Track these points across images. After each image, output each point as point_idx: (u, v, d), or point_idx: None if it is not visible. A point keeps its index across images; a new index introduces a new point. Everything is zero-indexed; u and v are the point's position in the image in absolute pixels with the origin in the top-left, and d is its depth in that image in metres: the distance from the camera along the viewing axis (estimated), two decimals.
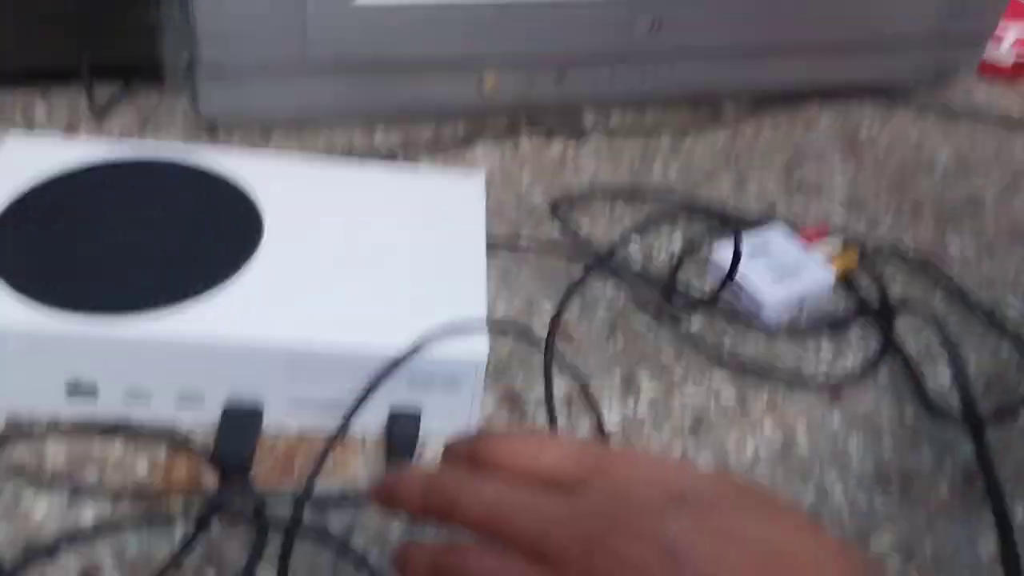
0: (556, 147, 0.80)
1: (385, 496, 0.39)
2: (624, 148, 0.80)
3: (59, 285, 0.51)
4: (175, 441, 0.52)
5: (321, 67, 0.72)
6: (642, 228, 0.71)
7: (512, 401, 0.58)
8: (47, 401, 0.52)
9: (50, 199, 0.56)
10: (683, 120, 0.85)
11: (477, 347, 0.51)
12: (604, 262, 0.66)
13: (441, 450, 0.40)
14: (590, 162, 0.78)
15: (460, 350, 0.51)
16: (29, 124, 0.74)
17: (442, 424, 0.54)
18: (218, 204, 0.57)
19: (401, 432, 0.53)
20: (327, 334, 0.51)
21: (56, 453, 0.51)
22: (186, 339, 0.49)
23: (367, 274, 0.55)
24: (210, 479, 0.51)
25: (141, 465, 0.51)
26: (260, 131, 0.76)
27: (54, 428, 0.52)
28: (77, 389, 0.51)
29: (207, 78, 0.71)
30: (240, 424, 0.52)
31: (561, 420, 0.57)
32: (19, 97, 0.76)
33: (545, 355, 0.57)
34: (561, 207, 0.71)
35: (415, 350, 0.50)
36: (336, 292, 0.53)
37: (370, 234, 0.57)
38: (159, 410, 0.53)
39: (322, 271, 0.54)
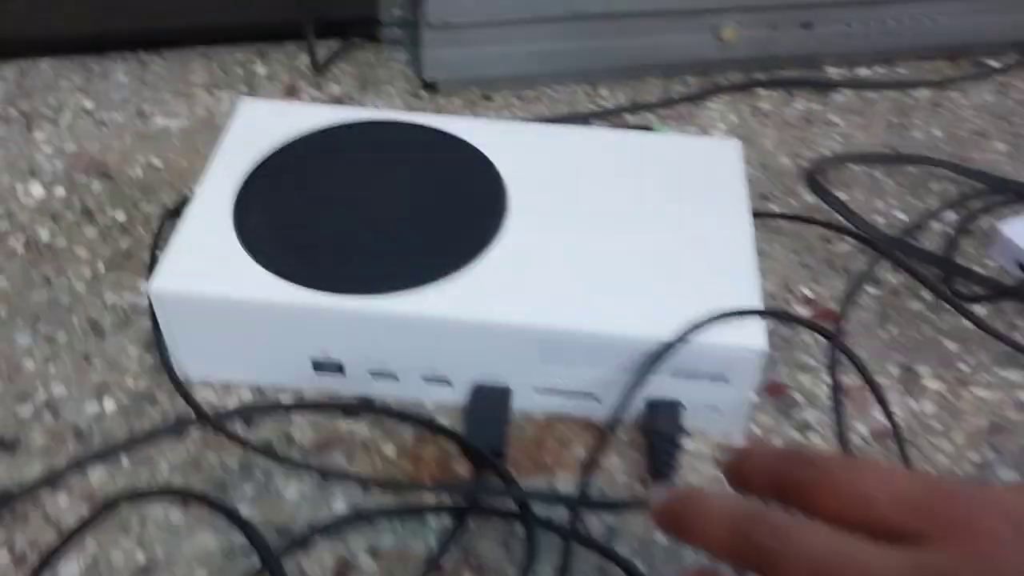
0: (799, 104, 0.72)
1: (677, 525, 0.34)
2: (876, 105, 0.72)
3: (308, 262, 0.48)
4: (422, 423, 0.49)
5: (550, 20, 0.67)
6: (948, 209, 0.63)
7: (777, 393, 0.52)
8: (293, 376, 0.50)
9: (291, 166, 0.53)
10: (941, 74, 0.75)
11: (753, 336, 0.46)
12: (885, 241, 0.59)
13: (720, 460, 0.34)
14: (839, 121, 0.70)
15: (734, 338, 0.46)
16: (250, 82, 0.72)
17: (707, 419, 0.49)
18: (463, 173, 0.54)
19: (661, 426, 0.48)
20: (583, 316, 0.46)
21: (303, 431, 0.49)
22: (436, 319, 0.46)
23: (622, 250, 0.50)
24: (460, 465, 0.48)
25: (389, 447, 0.49)
26: (482, 91, 0.72)
27: (300, 404, 0.50)
28: (323, 366, 0.49)
29: (430, 36, 0.67)
30: (490, 408, 0.48)
31: (834, 418, 0.50)
32: (240, 55, 0.75)
33: (830, 342, 0.50)
34: (816, 173, 0.64)
35: (685, 336, 0.45)
36: (590, 270, 0.48)
37: (622, 207, 0.52)
38: (404, 390, 0.50)
39: (574, 247, 0.50)
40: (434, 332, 0.47)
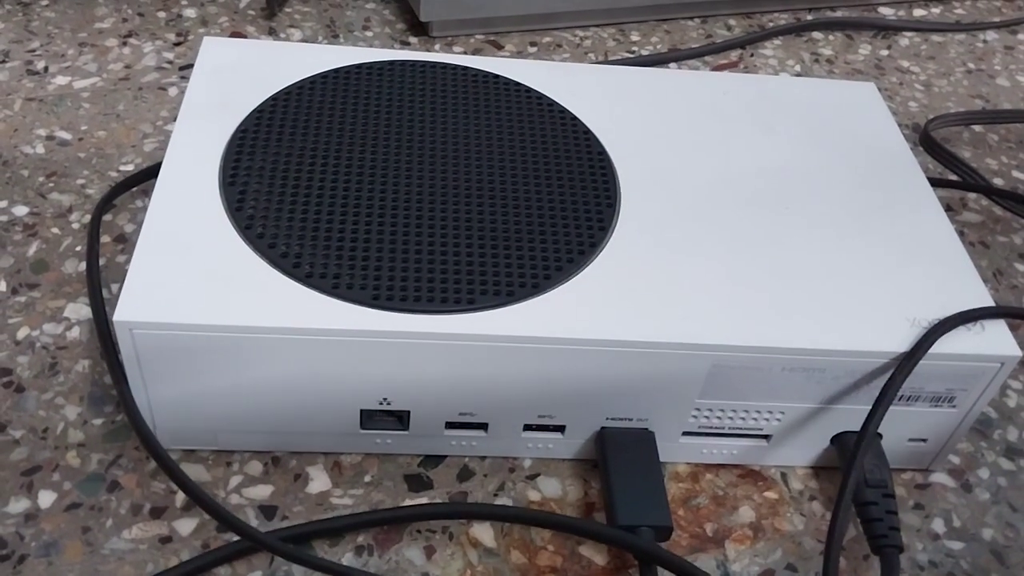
0: (863, 48, 0.60)
1: None
2: (949, 47, 0.61)
3: (360, 267, 0.32)
4: (519, 514, 0.34)
5: None
6: None
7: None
8: (327, 437, 0.34)
9: (300, 124, 0.37)
10: (1002, 15, 0.65)
11: (999, 340, 0.33)
12: None
13: None
14: (915, 68, 0.59)
15: (976, 346, 0.33)
16: (178, 28, 0.54)
17: (904, 454, 0.36)
18: (545, 135, 0.39)
19: (867, 470, 0.35)
20: (768, 327, 0.32)
21: (354, 543, 0.33)
22: (558, 339, 0.31)
23: (788, 239, 0.36)
24: (593, 549, 0.33)
25: (483, 530, 0.33)
26: (487, 36, 0.57)
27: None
28: (377, 419, 0.33)
29: None
30: (637, 463, 0.34)
31: None
32: None
33: None
34: (927, 131, 0.52)
35: (927, 346, 0.32)
36: (754, 265, 0.34)
37: (770, 176, 0.38)
38: (495, 443, 0.35)
39: (725, 237, 0.36)
40: (550, 358, 0.32)
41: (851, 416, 0.34)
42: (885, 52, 0.60)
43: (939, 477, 0.37)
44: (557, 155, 0.37)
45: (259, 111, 0.37)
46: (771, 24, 0.61)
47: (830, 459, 0.36)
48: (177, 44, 0.53)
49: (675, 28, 0.59)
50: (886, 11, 0.64)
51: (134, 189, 0.44)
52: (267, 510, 0.33)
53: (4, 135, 0.46)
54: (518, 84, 0.41)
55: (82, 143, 0.46)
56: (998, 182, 0.51)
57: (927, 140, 0.50)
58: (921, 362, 0.32)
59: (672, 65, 0.56)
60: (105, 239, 0.41)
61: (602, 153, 0.38)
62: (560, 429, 0.34)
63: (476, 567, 0.32)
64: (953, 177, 0.49)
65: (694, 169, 0.38)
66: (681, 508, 0.35)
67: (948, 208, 0.49)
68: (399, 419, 0.34)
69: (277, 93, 0.38)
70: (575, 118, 0.39)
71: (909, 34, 0.62)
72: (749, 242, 0.35)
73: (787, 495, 0.36)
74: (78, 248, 0.41)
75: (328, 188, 0.34)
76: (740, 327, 0.32)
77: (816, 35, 0.61)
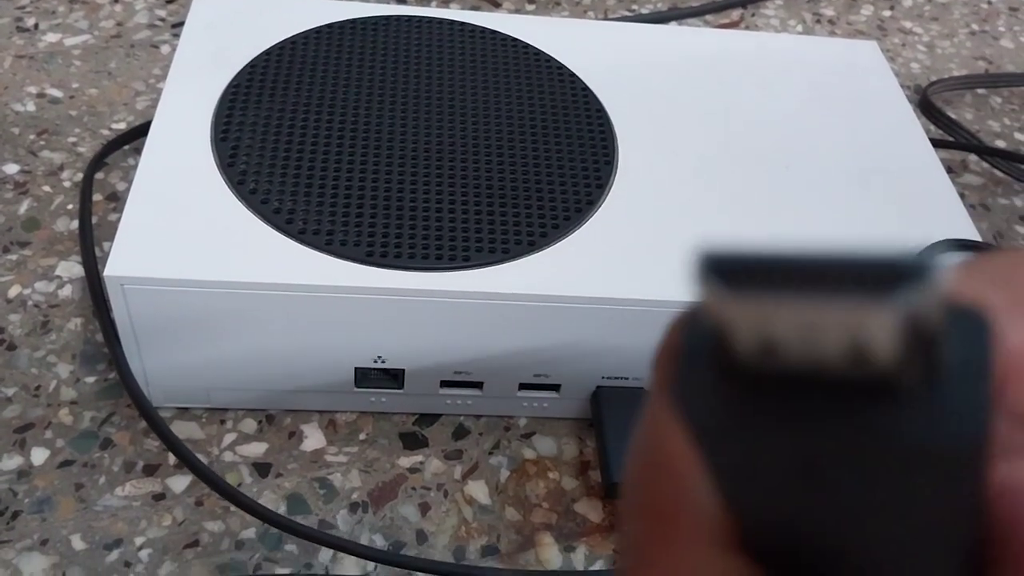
0: (866, 9, 0.59)
1: None
2: (952, 8, 0.60)
3: (352, 223, 0.32)
4: (516, 460, 0.34)
5: None
6: None
7: None
8: (323, 395, 0.34)
9: (293, 80, 0.36)
10: None
11: None
12: None
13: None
14: (918, 29, 0.58)
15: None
16: None
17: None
18: (542, 91, 0.38)
19: None
20: None
21: (348, 474, 0.33)
22: (555, 296, 0.31)
23: (790, 193, 0.36)
24: (588, 505, 0.33)
25: (479, 487, 0.33)
26: None
27: (344, 437, 0.34)
28: (372, 377, 0.33)
29: None
30: (629, 424, 0.33)
31: None
32: None
33: None
34: (926, 95, 0.51)
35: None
36: (757, 218, 0.34)
37: (770, 132, 0.38)
38: (488, 402, 0.34)
39: (724, 190, 0.35)
40: (546, 316, 0.31)
41: None
42: (888, 13, 0.59)
43: None
44: (555, 112, 0.37)
45: (252, 66, 0.37)
46: None
47: None
48: (169, 1, 0.52)
49: None
50: None
51: (126, 147, 0.43)
52: (261, 467, 0.33)
53: None
54: (515, 40, 0.40)
55: (73, 101, 0.45)
56: (1000, 145, 0.50)
57: (926, 105, 0.50)
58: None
59: (672, 24, 0.55)
60: (97, 197, 0.41)
61: (600, 110, 0.37)
62: (556, 388, 0.34)
63: (471, 524, 0.32)
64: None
65: (694, 127, 0.37)
66: None
67: (949, 170, 0.48)
68: (394, 377, 0.33)
69: (270, 48, 0.38)
70: (573, 75, 0.39)
71: None
72: (748, 201, 0.35)
73: None
74: (70, 206, 0.41)
75: (321, 144, 0.34)
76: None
77: None
